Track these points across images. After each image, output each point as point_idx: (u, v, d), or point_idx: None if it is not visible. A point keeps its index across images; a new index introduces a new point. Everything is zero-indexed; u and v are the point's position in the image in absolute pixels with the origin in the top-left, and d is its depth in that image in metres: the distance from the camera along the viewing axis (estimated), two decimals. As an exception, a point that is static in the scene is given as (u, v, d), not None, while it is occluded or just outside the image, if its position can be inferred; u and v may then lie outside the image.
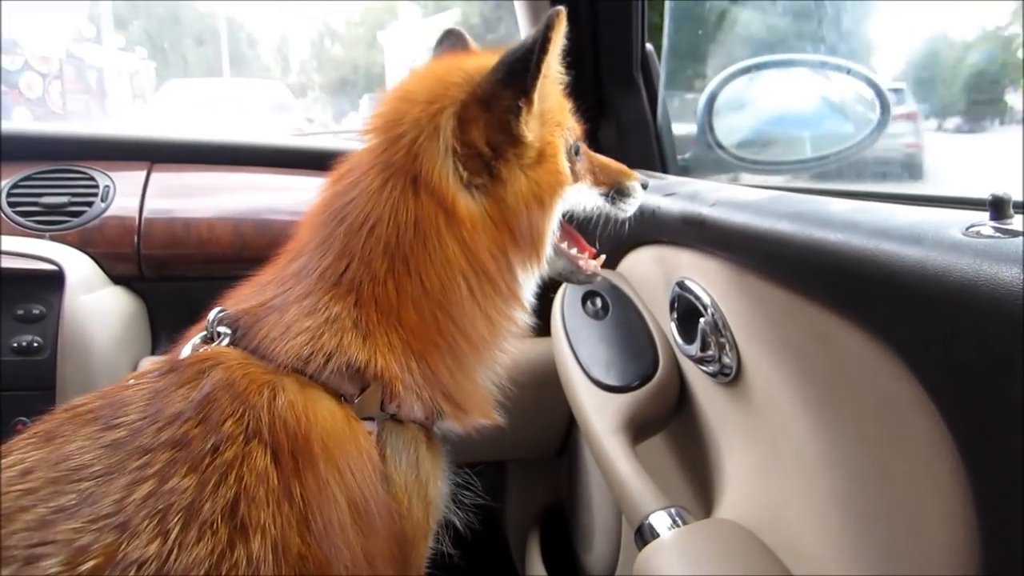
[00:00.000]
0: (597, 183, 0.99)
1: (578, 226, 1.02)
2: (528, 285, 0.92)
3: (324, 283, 0.80)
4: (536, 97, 0.83)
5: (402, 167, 0.82)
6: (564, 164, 0.91)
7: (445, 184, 0.81)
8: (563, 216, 0.94)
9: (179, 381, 0.72)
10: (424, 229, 0.81)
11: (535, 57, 0.80)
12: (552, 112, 0.90)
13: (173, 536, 0.62)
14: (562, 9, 0.80)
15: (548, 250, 0.91)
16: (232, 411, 0.69)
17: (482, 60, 0.87)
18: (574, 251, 1.00)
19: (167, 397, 0.70)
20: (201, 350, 0.77)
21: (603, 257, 1.03)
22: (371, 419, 0.79)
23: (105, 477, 0.64)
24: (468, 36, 1.05)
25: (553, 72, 0.86)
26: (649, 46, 1.61)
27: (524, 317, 0.92)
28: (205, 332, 0.80)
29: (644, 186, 1.03)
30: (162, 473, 0.65)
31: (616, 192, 1.00)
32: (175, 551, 0.61)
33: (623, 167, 1.03)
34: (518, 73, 0.81)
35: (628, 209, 1.01)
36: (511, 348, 0.91)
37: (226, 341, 0.78)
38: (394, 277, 0.80)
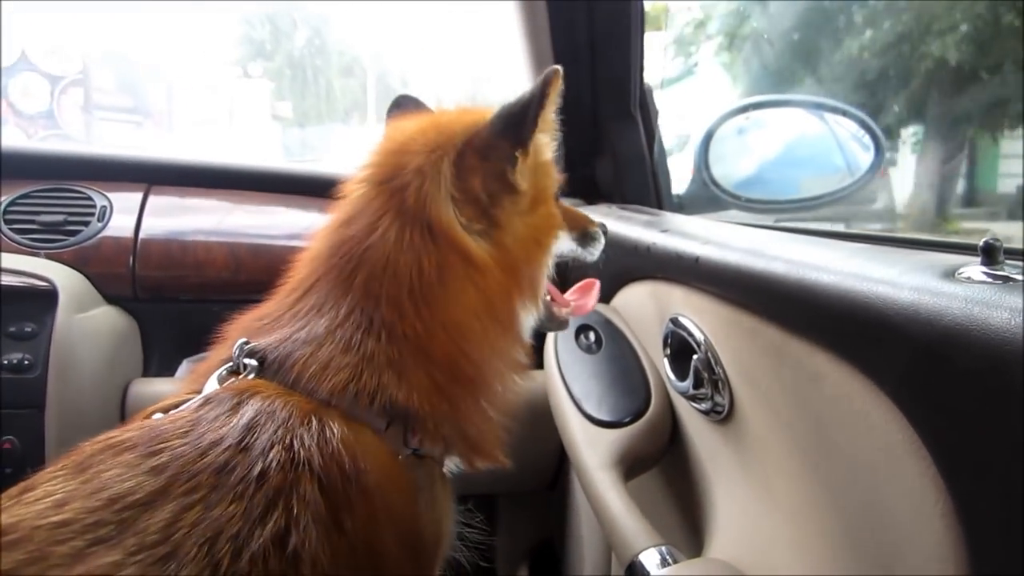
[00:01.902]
0: (570, 229, 1.03)
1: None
2: (527, 326, 0.94)
3: (353, 321, 0.80)
4: (532, 149, 0.87)
5: (415, 215, 0.84)
6: (556, 209, 0.97)
7: (455, 231, 0.84)
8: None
9: (218, 411, 0.70)
10: (445, 274, 0.83)
11: (533, 110, 0.84)
12: (546, 162, 0.94)
13: (224, 566, 0.59)
14: (559, 68, 0.84)
15: (544, 291, 0.94)
16: (279, 438, 0.68)
17: (483, 112, 0.90)
18: (548, 298, 1.02)
19: (207, 425, 0.68)
20: (230, 382, 0.75)
21: (574, 305, 1.06)
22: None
23: (148, 505, 0.60)
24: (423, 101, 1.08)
25: (549, 124, 0.90)
26: (648, 83, 1.63)
27: (525, 358, 0.95)
28: (231, 364, 0.78)
29: (604, 232, 1.07)
30: (207, 499, 0.61)
31: (584, 237, 1.05)
32: None
33: (585, 215, 1.08)
34: (516, 125, 0.85)
35: (596, 252, 1.06)
36: (515, 387, 0.93)
37: (253, 374, 0.77)
38: (420, 319, 0.81)
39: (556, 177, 0.98)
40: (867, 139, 1.46)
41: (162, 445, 0.65)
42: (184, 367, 1.70)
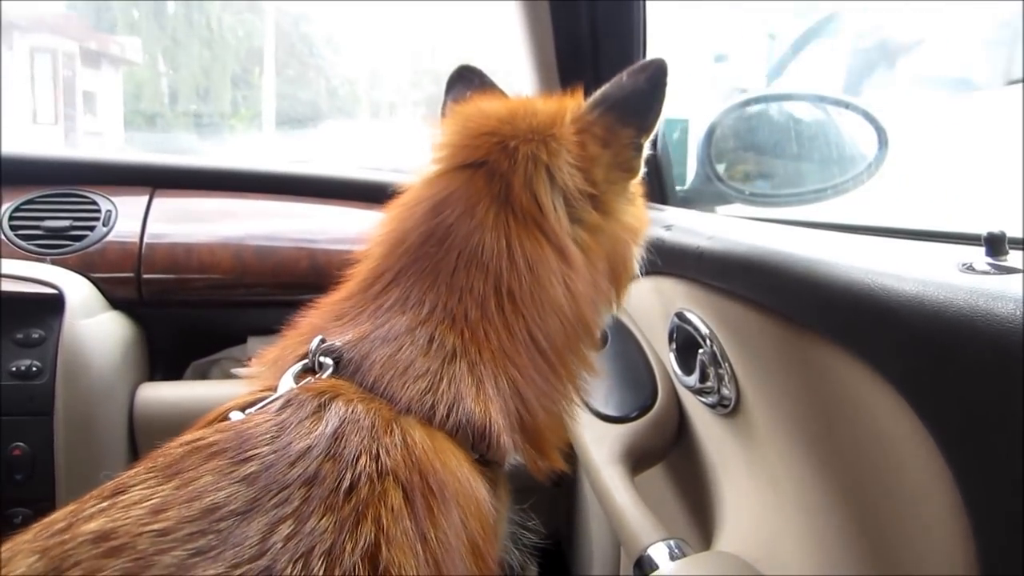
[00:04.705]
0: None
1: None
2: (603, 324, 0.92)
3: (436, 318, 0.78)
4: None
5: (516, 203, 0.82)
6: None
7: (559, 224, 0.83)
8: None
9: (300, 415, 0.68)
10: (539, 271, 0.80)
11: (659, 98, 0.87)
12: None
13: None
14: (665, 60, 0.86)
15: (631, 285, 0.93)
16: (365, 447, 0.66)
17: (559, 100, 0.90)
18: None
19: (293, 431, 0.66)
20: (306, 380, 0.73)
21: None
22: None
23: (243, 515, 0.59)
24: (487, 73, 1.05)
25: None
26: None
27: (596, 354, 0.91)
28: (306, 361, 0.76)
29: None
30: (300, 512, 0.60)
31: None
32: None
33: None
34: (640, 113, 0.87)
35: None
36: (586, 387, 0.90)
37: (328, 372, 0.75)
38: (504, 317, 0.79)
39: None
40: (871, 132, 1.46)
41: (251, 452, 0.64)
42: (191, 370, 1.70)
